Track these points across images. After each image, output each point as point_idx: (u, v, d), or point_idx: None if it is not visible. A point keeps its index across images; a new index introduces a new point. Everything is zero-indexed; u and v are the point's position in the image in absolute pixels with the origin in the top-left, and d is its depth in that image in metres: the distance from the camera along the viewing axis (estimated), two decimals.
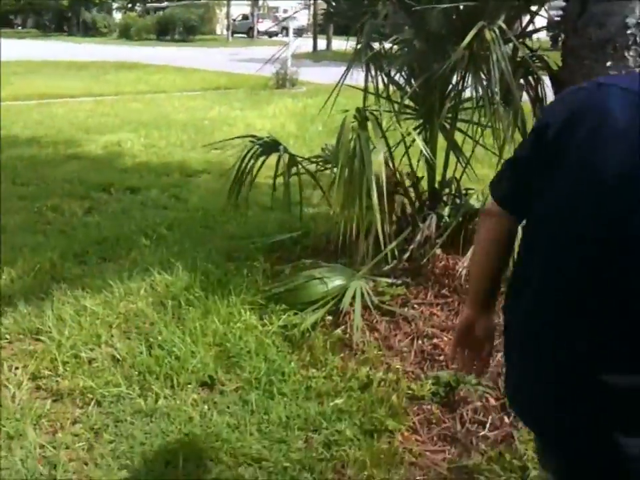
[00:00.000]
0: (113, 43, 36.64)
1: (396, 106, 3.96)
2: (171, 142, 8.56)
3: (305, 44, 26.38)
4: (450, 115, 3.96)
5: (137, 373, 2.96)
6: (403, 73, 4.12)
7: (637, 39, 3.19)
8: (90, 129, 9.22)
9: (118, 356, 3.09)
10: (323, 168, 4.26)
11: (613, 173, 1.22)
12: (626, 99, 1.25)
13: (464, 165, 4.09)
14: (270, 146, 4.16)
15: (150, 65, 20.67)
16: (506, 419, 2.64)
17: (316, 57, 24.50)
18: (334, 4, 4.39)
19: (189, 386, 2.87)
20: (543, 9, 4.02)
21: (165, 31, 40.98)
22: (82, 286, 3.77)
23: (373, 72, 3.95)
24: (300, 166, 4.12)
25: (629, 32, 3.20)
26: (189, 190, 6.22)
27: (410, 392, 2.80)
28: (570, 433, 1.30)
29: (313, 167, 4.26)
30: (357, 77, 3.94)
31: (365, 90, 3.98)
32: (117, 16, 51.49)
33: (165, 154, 7.86)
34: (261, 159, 4.10)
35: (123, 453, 2.46)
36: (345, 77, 3.79)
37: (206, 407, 2.73)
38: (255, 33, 43.67)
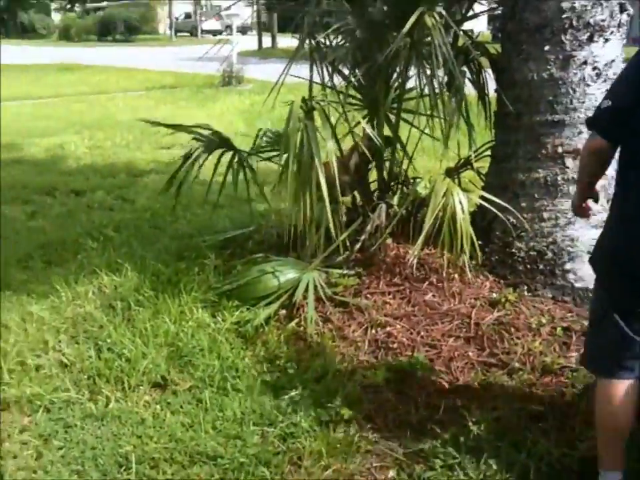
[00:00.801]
0: (53, 45, 35.73)
1: (342, 96, 3.95)
2: (116, 143, 8.40)
3: (250, 42, 26.21)
4: (395, 105, 3.98)
5: (86, 377, 2.90)
6: (347, 64, 4.11)
7: (573, 22, 3.26)
8: (31, 132, 8.97)
9: (66, 361, 3.01)
10: (268, 158, 4.20)
11: None
12: None
13: (410, 155, 4.13)
14: (216, 142, 4.11)
15: (91, 65, 20.24)
16: (459, 402, 2.67)
17: (262, 54, 24.35)
18: None
19: (141, 387, 2.82)
20: None
21: (106, 31, 40.16)
22: (27, 292, 3.67)
23: (318, 64, 3.94)
24: (246, 163, 4.07)
25: (564, 16, 3.27)
26: (136, 191, 6.12)
27: (365, 380, 2.81)
28: None
29: (260, 162, 4.22)
30: (305, 73, 3.92)
31: (311, 81, 3.95)
32: (56, 17, 50.21)
33: (110, 155, 7.72)
34: (206, 155, 4.03)
35: (74, 458, 2.40)
36: (289, 69, 3.74)
37: (158, 407, 2.69)
38: (199, 31, 43.20)
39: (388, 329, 3.19)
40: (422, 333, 3.15)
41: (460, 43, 3.81)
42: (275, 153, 4.00)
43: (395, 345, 3.06)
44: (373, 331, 3.18)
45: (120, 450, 2.43)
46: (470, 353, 2.98)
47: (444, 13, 3.47)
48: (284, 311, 3.36)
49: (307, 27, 3.75)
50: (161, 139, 8.44)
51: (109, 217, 5.25)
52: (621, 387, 2.10)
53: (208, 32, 42.94)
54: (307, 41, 3.81)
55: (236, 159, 4.03)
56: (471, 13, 4.08)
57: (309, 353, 3.03)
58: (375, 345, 3.09)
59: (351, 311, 3.35)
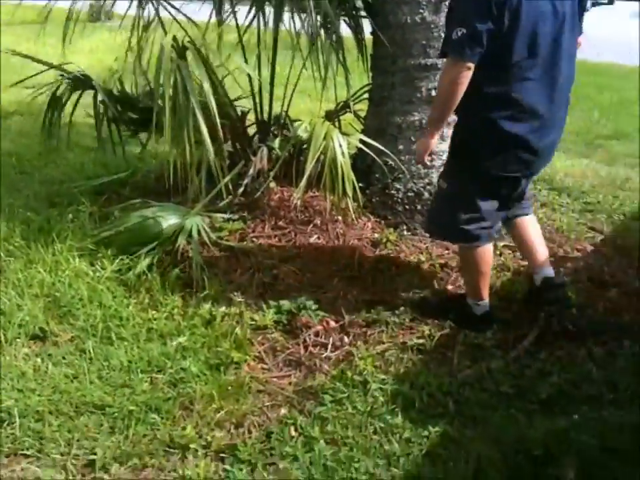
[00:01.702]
0: None
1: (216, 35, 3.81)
2: None
3: None
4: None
5: None
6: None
7: None
8: None
9: None
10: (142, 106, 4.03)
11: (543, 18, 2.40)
12: None
13: (289, 97, 4.09)
14: (82, 82, 3.88)
15: None
16: (345, 339, 2.77)
17: None
18: None
19: (18, 340, 2.69)
20: None
21: None
22: None
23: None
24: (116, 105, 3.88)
25: None
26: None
27: (253, 323, 2.83)
28: None
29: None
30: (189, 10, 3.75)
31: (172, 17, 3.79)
32: None
33: None
34: (74, 96, 3.81)
35: None
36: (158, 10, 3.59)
37: (39, 360, 2.58)
38: None
39: (274, 271, 3.21)
40: (308, 275, 3.20)
41: None
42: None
43: (282, 288, 3.09)
44: (260, 274, 3.20)
45: (1, 405, 2.32)
46: (354, 292, 3.07)
47: None
48: (167, 257, 3.29)
49: None
50: (24, 77, 7.84)
51: None
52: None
53: None
54: None
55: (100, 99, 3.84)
56: None
57: (196, 298, 3.00)
58: (262, 288, 3.11)
59: (236, 256, 3.34)
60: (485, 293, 2.85)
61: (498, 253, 3.41)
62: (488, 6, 2.33)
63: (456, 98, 2.45)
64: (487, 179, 2.62)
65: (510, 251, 3.45)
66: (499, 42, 2.38)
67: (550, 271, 2.92)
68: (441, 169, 3.51)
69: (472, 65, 2.39)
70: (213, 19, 3.86)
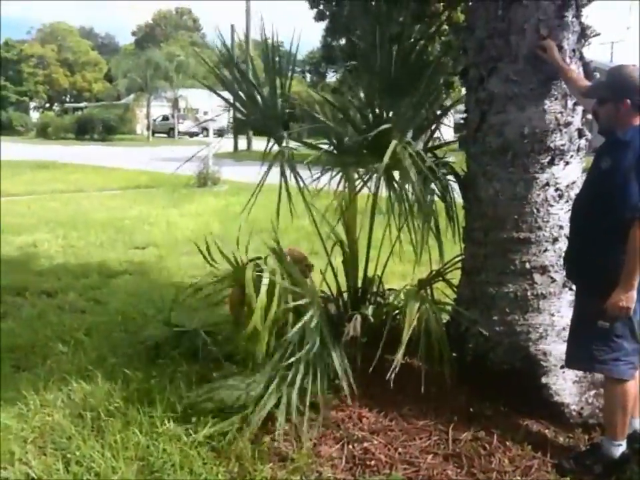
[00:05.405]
0: (30, 142, 36.22)
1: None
2: (90, 242, 8.40)
3: (226, 143, 26.94)
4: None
5: None
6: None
7: (535, 146, 3.42)
8: (4, 230, 8.91)
9: (33, 475, 2.90)
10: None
11: None
12: None
13: (384, 263, 4.21)
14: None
15: (67, 164, 20.48)
16: None
17: (237, 156, 24.97)
18: (244, 111, 4.51)
19: None
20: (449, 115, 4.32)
21: (83, 131, 40.95)
22: None
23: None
24: None
25: (525, 141, 3.42)
26: (109, 292, 6.06)
27: None
28: None
29: None
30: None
31: (280, 189, 4.11)
32: (34, 115, 51.19)
33: (83, 254, 7.69)
34: None
35: None
36: (265, 178, 3.93)
37: None
38: (176, 133, 44.36)
39: (365, 444, 3.15)
40: (400, 450, 3.11)
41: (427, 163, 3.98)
42: None
43: (373, 463, 3.01)
44: (350, 447, 3.13)
45: None
46: (449, 472, 2.94)
47: (412, 142, 3.68)
48: (258, 424, 3.29)
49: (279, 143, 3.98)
50: (135, 239, 8.49)
51: (80, 319, 5.17)
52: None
53: (184, 134, 44.16)
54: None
55: None
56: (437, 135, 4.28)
57: (285, 470, 2.96)
58: (352, 462, 3.03)
59: (328, 425, 3.31)
60: (625, 433, 2.97)
61: None
62: None
63: None
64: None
65: None
66: None
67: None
68: (539, 342, 3.46)
69: None
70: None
